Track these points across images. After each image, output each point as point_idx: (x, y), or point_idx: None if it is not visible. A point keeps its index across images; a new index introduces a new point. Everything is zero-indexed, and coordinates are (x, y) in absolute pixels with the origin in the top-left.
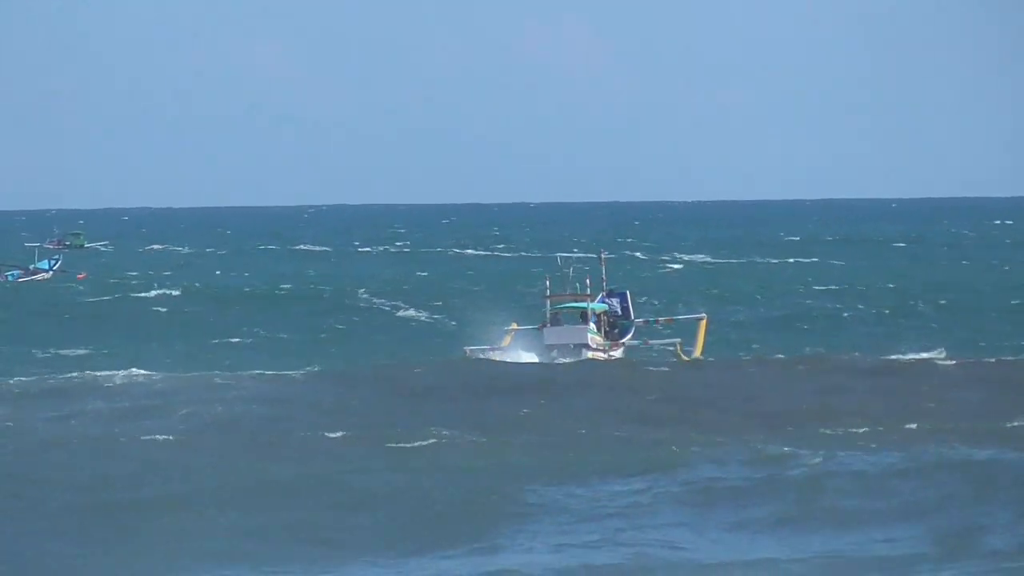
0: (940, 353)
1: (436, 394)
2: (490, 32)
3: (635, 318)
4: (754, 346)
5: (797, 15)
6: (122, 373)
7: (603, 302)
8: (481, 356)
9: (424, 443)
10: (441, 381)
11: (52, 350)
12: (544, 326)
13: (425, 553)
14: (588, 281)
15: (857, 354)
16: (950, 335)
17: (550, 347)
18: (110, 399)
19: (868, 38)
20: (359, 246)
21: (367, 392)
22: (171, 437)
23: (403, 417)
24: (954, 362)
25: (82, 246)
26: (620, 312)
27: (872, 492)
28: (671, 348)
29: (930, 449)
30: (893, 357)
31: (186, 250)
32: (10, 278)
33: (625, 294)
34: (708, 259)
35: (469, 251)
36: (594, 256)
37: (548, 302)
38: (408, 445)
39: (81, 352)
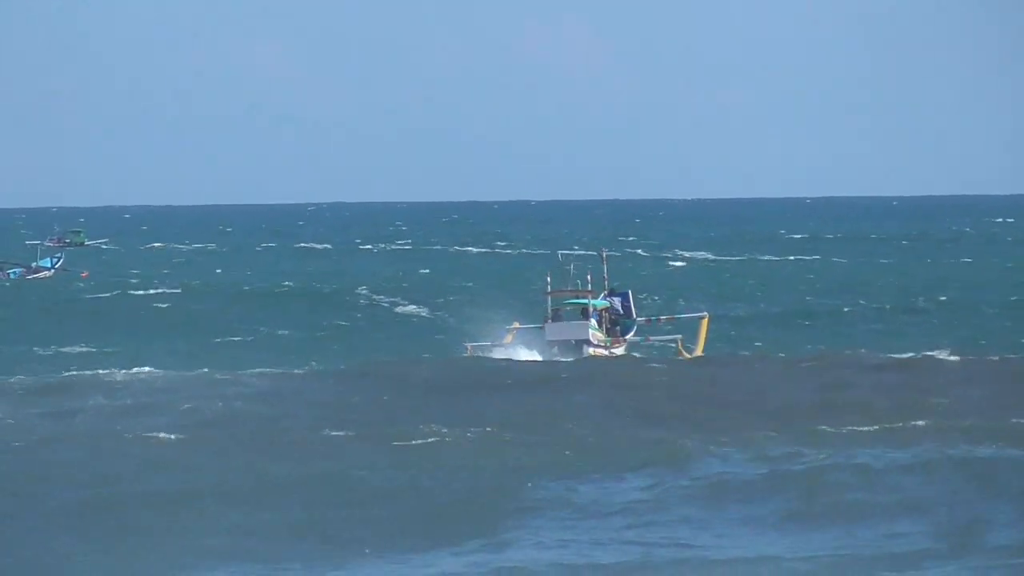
0: (943, 350)
1: (438, 391)
2: (490, 32)
3: (637, 317)
4: (757, 344)
5: (797, 14)
6: (123, 371)
7: (605, 300)
8: (481, 355)
9: (426, 440)
10: (442, 378)
11: (53, 347)
12: (546, 322)
13: (430, 549)
14: (589, 277)
15: (863, 351)
16: (952, 332)
17: (551, 343)
18: (111, 397)
19: (868, 37)
20: (360, 244)
21: (368, 389)
22: (172, 434)
23: (405, 414)
24: (957, 358)
25: (82, 244)
26: (622, 311)
27: (877, 488)
28: (672, 345)
29: (935, 446)
30: (896, 355)
31: (187, 248)
32: (12, 276)
33: (627, 293)
34: (709, 256)
35: (470, 249)
36: (595, 254)
37: (549, 298)
38: (410, 442)
39: (82, 350)
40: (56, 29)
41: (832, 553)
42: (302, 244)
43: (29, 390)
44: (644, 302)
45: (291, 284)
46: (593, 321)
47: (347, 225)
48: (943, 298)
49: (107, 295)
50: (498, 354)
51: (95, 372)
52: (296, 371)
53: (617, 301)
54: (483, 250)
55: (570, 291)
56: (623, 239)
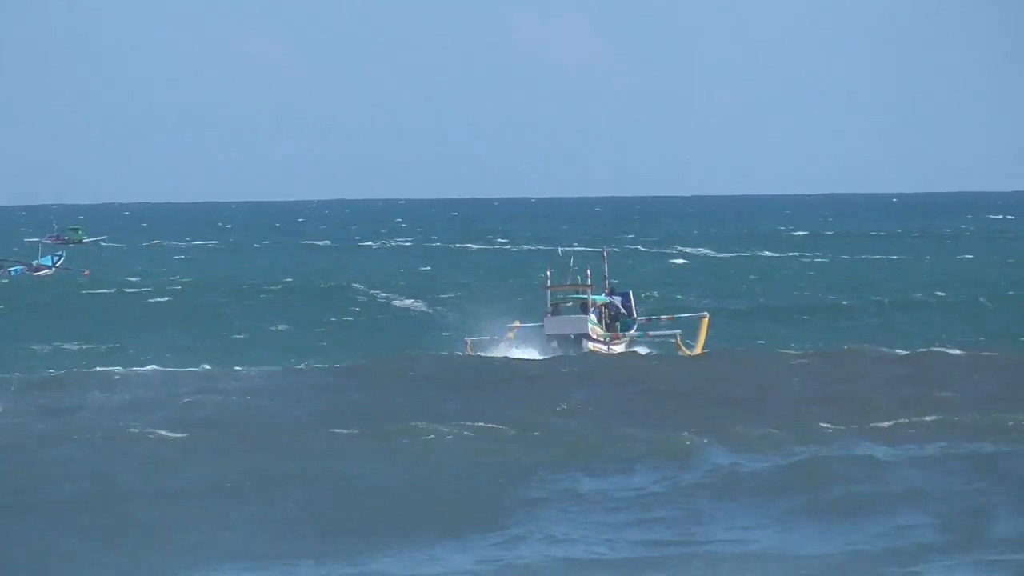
0: (948, 345)
1: (438, 388)
2: (491, 32)
3: (638, 316)
4: (759, 341)
5: (797, 12)
6: (123, 368)
7: (605, 297)
8: (482, 353)
9: (427, 437)
10: (443, 375)
11: (54, 344)
12: (546, 317)
13: (436, 546)
14: (589, 272)
15: (867, 345)
16: (955, 328)
17: (550, 337)
18: (111, 393)
19: (868, 34)
20: (360, 240)
21: (369, 386)
22: (172, 431)
23: (405, 410)
24: (961, 353)
25: (81, 241)
26: (623, 310)
27: (884, 483)
28: (672, 340)
29: (942, 440)
30: (899, 350)
31: (186, 245)
32: (13, 273)
33: (628, 293)
34: (710, 253)
35: (470, 245)
36: (595, 251)
37: (549, 293)
38: (411, 439)
39: (82, 347)
40: (56, 27)
41: (840, 548)
42: (302, 241)
43: (28, 387)
44: (644, 300)
45: (291, 281)
46: (593, 316)
47: (347, 222)
48: (943, 294)
49: (106, 292)
50: (498, 352)
51: (94, 369)
52: (297, 367)
53: (618, 300)
54: (483, 247)
55: (570, 286)
56: (623, 236)
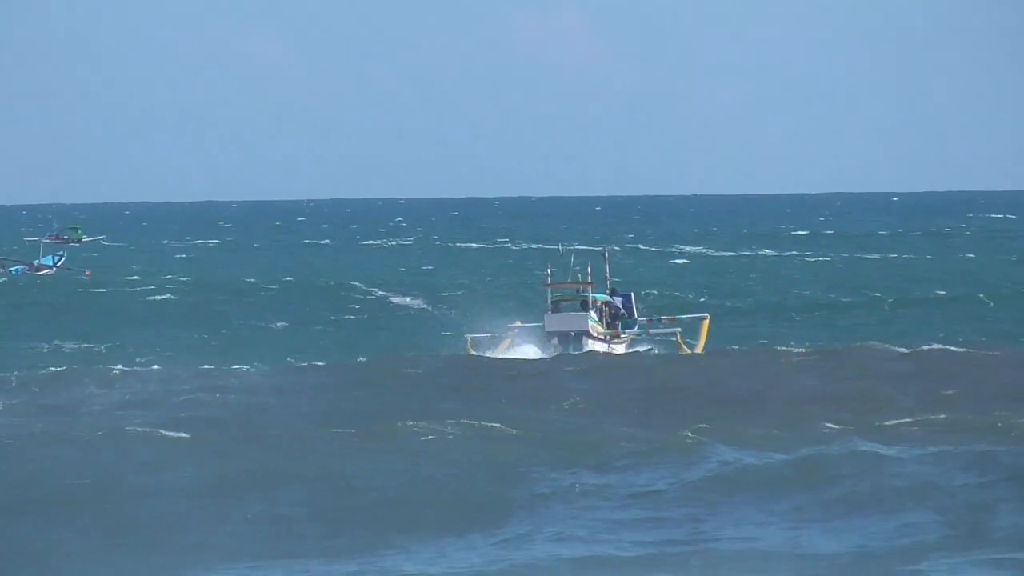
0: (953, 342)
1: (439, 386)
2: (489, 31)
3: (639, 317)
4: (761, 340)
5: (797, 11)
6: (122, 366)
7: (606, 295)
8: (483, 352)
9: (429, 435)
10: (443, 373)
11: (54, 342)
12: (546, 314)
13: (440, 544)
14: (590, 269)
15: (872, 342)
16: (958, 326)
17: (551, 334)
18: (110, 392)
19: (868, 34)
20: (360, 239)
21: (369, 384)
22: (171, 430)
23: (406, 409)
24: (965, 351)
25: (80, 240)
26: (624, 311)
27: (888, 480)
28: (672, 339)
29: (947, 437)
30: (903, 348)
31: (186, 244)
32: (14, 273)
33: (629, 295)
34: (710, 252)
35: (471, 244)
36: (596, 250)
37: (549, 290)
38: (412, 437)
39: (82, 345)
40: (56, 27)
41: (846, 546)
42: (302, 240)
43: (28, 385)
44: (645, 298)
45: (291, 280)
46: (593, 314)
47: (348, 221)
48: (946, 292)
49: (106, 290)
50: (499, 350)
51: (94, 367)
52: (296, 366)
53: (619, 301)
54: (484, 245)
55: (570, 283)
56: (624, 235)
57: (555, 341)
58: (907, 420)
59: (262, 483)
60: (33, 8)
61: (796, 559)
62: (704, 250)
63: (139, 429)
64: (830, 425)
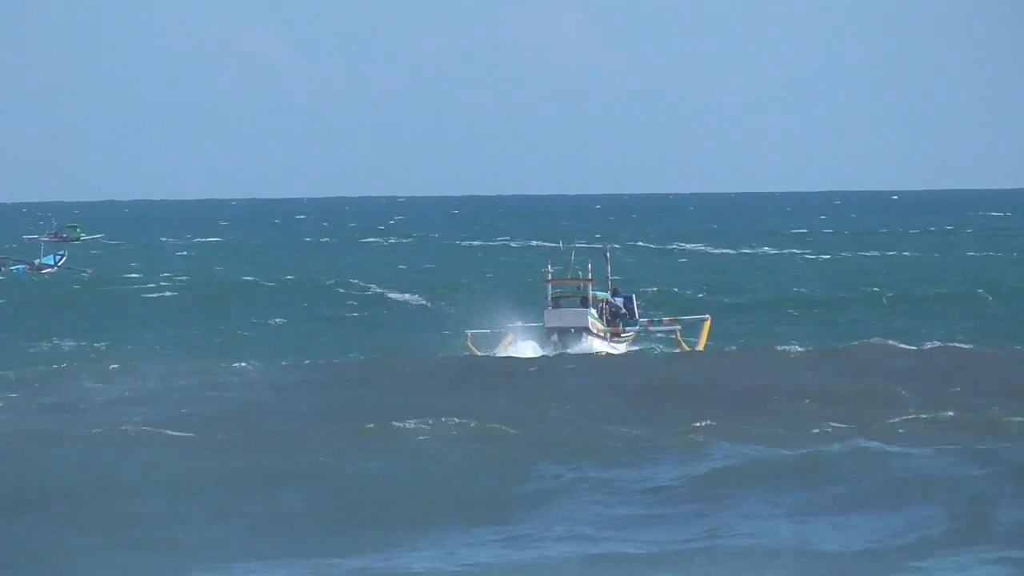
0: (956, 340)
1: (439, 383)
2: (489, 30)
3: (640, 318)
4: (762, 337)
5: (798, 9)
6: (122, 364)
7: (606, 293)
8: (483, 349)
9: (430, 433)
10: (444, 370)
11: (54, 340)
12: (546, 310)
13: (446, 542)
14: (590, 266)
15: (875, 340)
16: (962, 324)
17: (550, 330)
18: (110, 390)
19: (868, 32)
20: (361, 237)
21: (370, 382)
22: (173, 428)
23: (406, 407)
24: (970, 347)
25: (78, 239)
26: (625, 312)
27: (893, 478)
28: (672, 336)
29: (952, 434)
30: (909, 345)
31: (186, 242)
32: (16, 272)
33: (631, 296)
34: (711, 250)
35: (472, 242)
36: (596, 248)
37: (550, 286)
38: (413, 434)
39: (82, 343)
40: (56, 26)
41: (852, 542)
42: (302, 238)
43: (28, 383)
44: (645, 295)
45: (291, 278)
46: (593, 311)
47: (348, 219)
48: (949, 290)
49: (106, 288)
50: (498, 347)
51: (93, 365)
52: (297, 363)
53: (620, 302)
54: (484, 243)
55: (570, 280)
56: (624, 233)
57: (555, 337)
58: (910, 417)
59: (263, 481)
60: (33, 7)
61: (801, 555)
62: (704, 248)
63: (139, 427)
64: (833, 422)
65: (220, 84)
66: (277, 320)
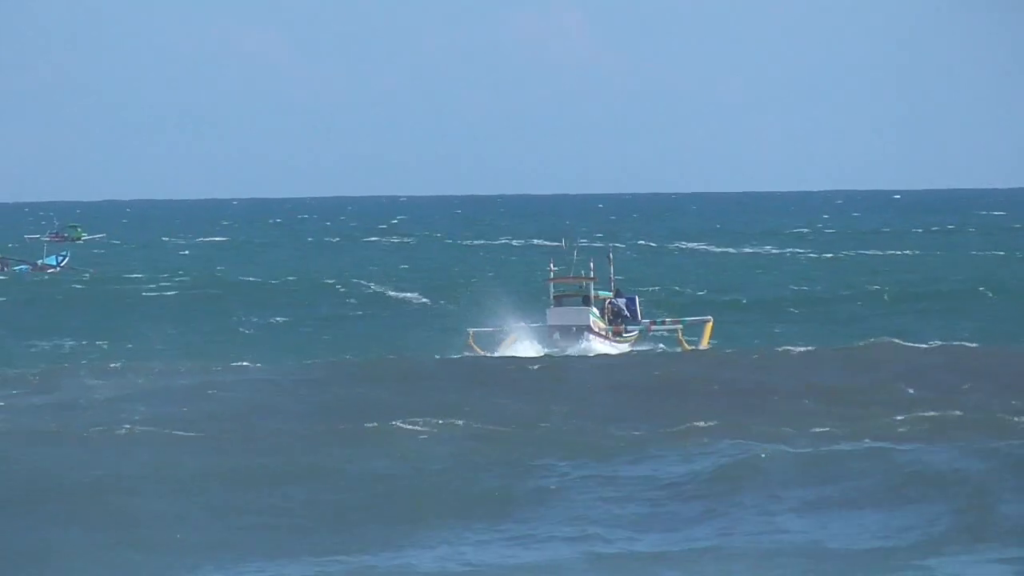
0: (962, 339)
1: (441, 382)
2: (490, 29)
3: (642, 319)
4: (765, 337)
5: (799, 8)
6: (122, 363)
7: (608, 292)
8: (484, 348)
9: (432, 431)
10: (446, 369)
11: (55, 339)
12: (548, 308)
13: (453, 540)
14: (592, 265)
15: (884, 339)
16: (965, 323)
17: (552, 328)
18: (110, 389)
19: (869, 31)
20: (362, 237)
21: (372, 381)
22: (174, 427)
23: (409, 405)
24: (977, 346)
25: (79, 239)
26: (628, 314)
27: (898, 475)
28: (673, 335)
29: (960, 433)
30: (916, 344)
31: (187, 242)
32: (18, 272)
33: (634, 298)
34: (713, 248)
35: (474, 241)
36: (598, 246)
37: (552, 284)
38: (416, 433)
39: (83, 342)
40: (56, 24)
41: (857, 540)
42: (304, 238)
43: (29, 382)
44: (647, 292)
45: (293, 277)
46: (595, 309)
47: (350, 218)
48: (955, 289)
49: (107, 288)
50: (500, 346)
51: (94, 363)
52: (297, 363)
53: (622, 303)
54: (487, 242)
55: (573, 278)
56: (626, 232)
57: (556, 335)
58: (915, 415)
59: (265, 480)
60: (33, 7)
61: (807, 554)
62: (706, 246)
63: (140, 426)
64: (837, 420)
65: (220, 84)
66: (278, 319)
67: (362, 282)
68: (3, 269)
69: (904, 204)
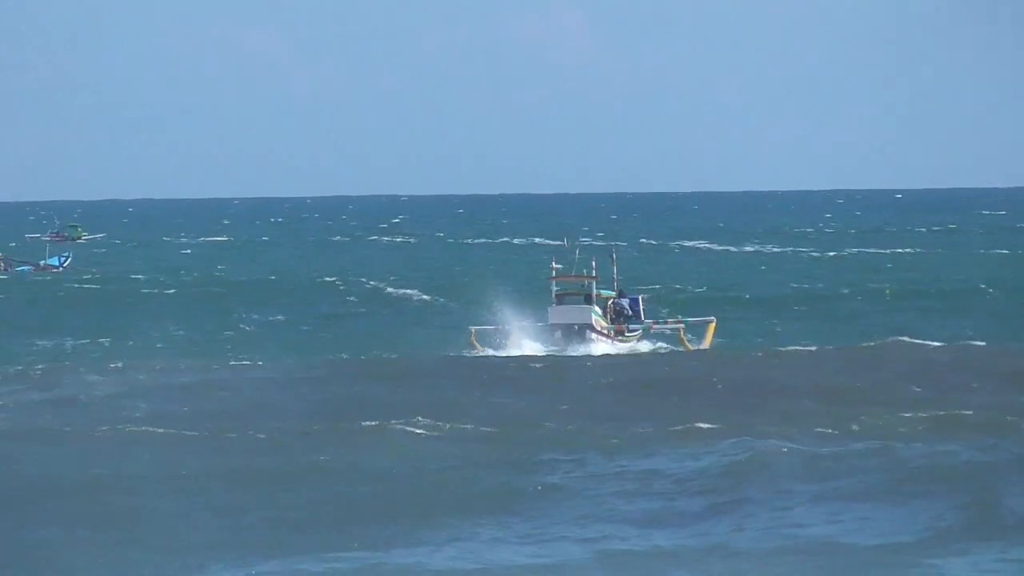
0: (970, 338)
1: (443, 381)
2: (491, 28)
3: (645, 319)
4: (768, 336)
5: (800, 7)
6: (122, 363)
7: (611, 292)
8: (486, 346)
9: (434, 431)
10: (448, 368)
11: (56, 338)
12: (550, 307)
13: (457, 538)
14: (594, 264)
15: (890, 339)
16: (966, 321)
17: (554, 327)
18: (111, 387)
19: (872, 28)
20: (364, 236)
21: (373, 379)
22: (175, 426)
23: (410, 404)
24: (984, 345)
25: (79, 238)
26: (631, 313)
27: (903, 472)
28: (675, 334)
29: (966, 431)
30: (923, 342)
31: (189, 241)
32: (21, 273)
33: (637, 299)
34: (715, 247)
35: (476, 240)
36: (600, 245)
37: (554, 283)
38: (417, 431)
39: (83, 341)
40: (57, 23)
41: (865, 536)
42: (306, 237)
43: (28, 380)
44: (649, 290)
45: (294, 275)
46: (597, 308)
47: (350, 218)
48: (958, 288)
49: (108, 287)
50: (502, 344)
51: (95, 363)
52: (299, 361)
53: (625, 303)
54: (489, 241)
55: (575, 277)
56: (628, 231)
57: (558, 334)
58: (919, 414)
59: (266, 478)
60: (33, 7)
61: (815, 550)
62: (708, 245)
63: (141, 425)
64: (841, 419)
65: (220, 84)
66: (280, 317)
67: (364, 281)
68: (6, 269)
69: (905, 203)
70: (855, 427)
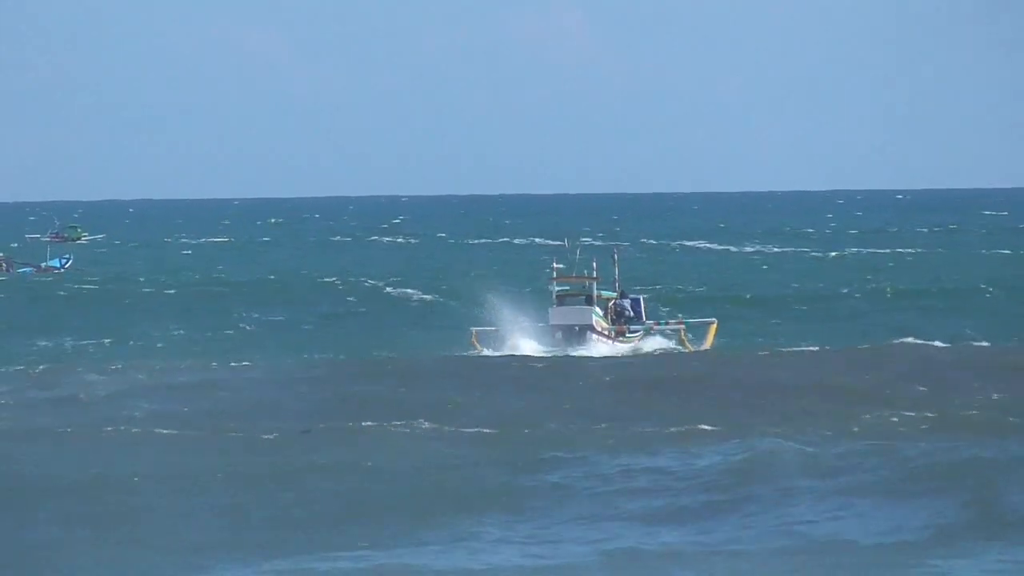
0: (964, 338)
1: (444, 381)
2: (491, 28)
3: (647, 320)
4: (769, 336)
5: (801, 7)
6: (122, 363)
7: (612, 292)
8: (487, 347)
9: (435, 431)
10: (448, 368)
11: (56, 338)
12: (551, 308)
13: (459, 538)
14: (595, 264)
15: (896, 341)
16: (967, 321)
17: (555, 327)
18: (111, 387)
19: (873, 28)
20: (364, 236)
21: (374, 379)
22: (176, 425)
23: (411, 404)
24: (987, 345)
25: (79, 239)
26: (632, 314)
27: (906, 472)
28: (676, 334)
29: (968, 431)
30: (927, 341)
31: (189, 241)
32: (22, 274)
33: (639, 299)
34: (716, 247)
35: (476, 241)
36: (600, 245)
37: (555, 284)
38: (418, 431)
39: (84, 341)
40: (57, 23)
41: (869, 535)
42: (306, 237)
43: (30, 380)
44: (649, 290)
45: (295, 275)
46: (597, 309)
47: (351, 218)
48: (960, 288)
49: (109, 287)
50: (503, 345)
51: (95, 363)
52: (299, 361)
53: (627, 303)
54: (489, 241)
55: (575, 278)
56: (628, 231)
57: (559, 335)
58: (920, 413)
59: (267, 478)
60: (33, 6)
61: (819, 549)
62: (709, 245)
63: (141, 424)
64: (842, 418)
65: (220, 84)
66: (280, 317)
67: (365, 281)
68: (8, 270)
69: (906, 204)
70: (856, 427)
